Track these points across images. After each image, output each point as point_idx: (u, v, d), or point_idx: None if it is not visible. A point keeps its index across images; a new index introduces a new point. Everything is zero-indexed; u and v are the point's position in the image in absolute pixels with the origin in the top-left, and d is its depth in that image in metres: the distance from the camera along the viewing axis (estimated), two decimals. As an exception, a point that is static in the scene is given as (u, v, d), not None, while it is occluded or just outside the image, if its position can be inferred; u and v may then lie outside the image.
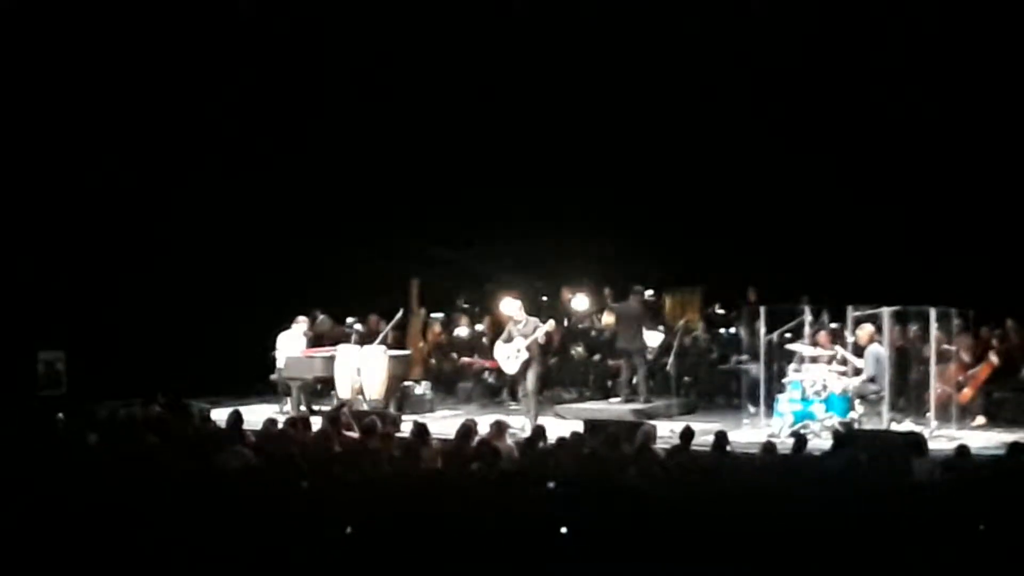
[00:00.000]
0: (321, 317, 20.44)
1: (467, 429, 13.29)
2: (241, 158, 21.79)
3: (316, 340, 19.69)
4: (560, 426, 16.78)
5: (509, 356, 17.84)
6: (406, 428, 16.86)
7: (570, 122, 22.11)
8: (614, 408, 18.94)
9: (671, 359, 19.75)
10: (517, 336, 17.80)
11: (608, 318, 21.05)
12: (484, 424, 13.81)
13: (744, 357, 19.40)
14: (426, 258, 21.27)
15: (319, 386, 19.04)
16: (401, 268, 21.20)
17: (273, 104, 21.92)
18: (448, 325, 22.02)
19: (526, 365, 17.76)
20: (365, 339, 19.28)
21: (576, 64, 21.79)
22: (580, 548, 10.03)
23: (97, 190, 20.93)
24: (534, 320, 17.98)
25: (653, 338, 19.63)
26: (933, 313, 17.19)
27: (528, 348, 17.71)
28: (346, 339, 19.40)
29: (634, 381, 19.26)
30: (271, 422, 14.20)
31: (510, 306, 18.30)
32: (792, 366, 17.35)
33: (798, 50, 20.91)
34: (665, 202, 22.08)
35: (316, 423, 14.94)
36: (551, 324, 18.39)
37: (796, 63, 21.02)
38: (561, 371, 20.99)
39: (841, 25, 20.69)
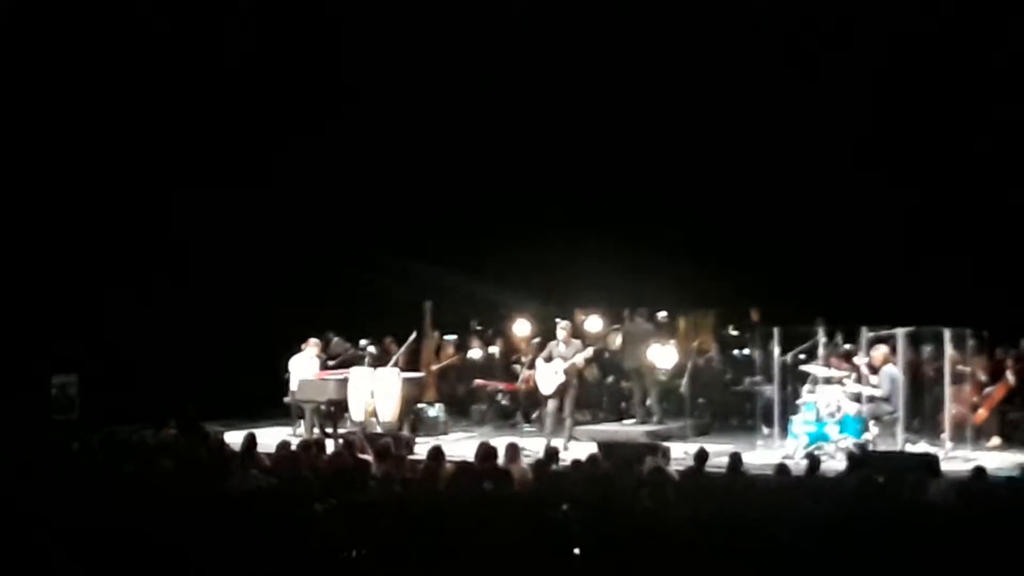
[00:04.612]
0: (335, 340, 20.41)
1: (487, 451, 13.24)
2: (253, 180, 21.81)
3: (329, 363, 19.67)
4: (574, 448, 16.78)
5: (548, 375, 17.93)
6: (420, 450, 16.93)
7: (584, 145, 22.09)
8: (628, 430, 18.90)
9: (685, 380, 19.71)
10: (557, 357, 17.90)
11: (618, 339, 21.04)
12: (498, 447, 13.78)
13: (758, 378, 19.35)
14: (439, 280, 21.27)
15: (332, 409, 19.00)
16: (414, 290, 21.20)
17: (287, 126, 21.94)
18: (461, 347, 22.00)
19: (562, 387, 17.84)
20: (378, 361, 19.26)
21: (589, 90, 21.79)
22: (594, 570, 10.02)
23: (109, 215, 20.98)
24: (577, 343, 18.15)
25: (666, 358, 19.59)
26: (948, 334, 17.15)
27: (566, 371, 17.80)
28: (359, 362, 19.37)
29: (648, 402, 19.23)
30: (284, 445, 14.19)
31: (560, 327, 18.39)
32: (806, 387, 17.30)
33: (804, 70, 20.90)
34: (678, 223, 22.02)
35: (329, 446, 14.94)
36: (591, 351, 18.48)
37: (800, 82, 20.99)
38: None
39: (854, 47, 20.69)
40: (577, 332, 20.17)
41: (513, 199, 22.32)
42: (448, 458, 13.47)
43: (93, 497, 11.25)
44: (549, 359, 18.09)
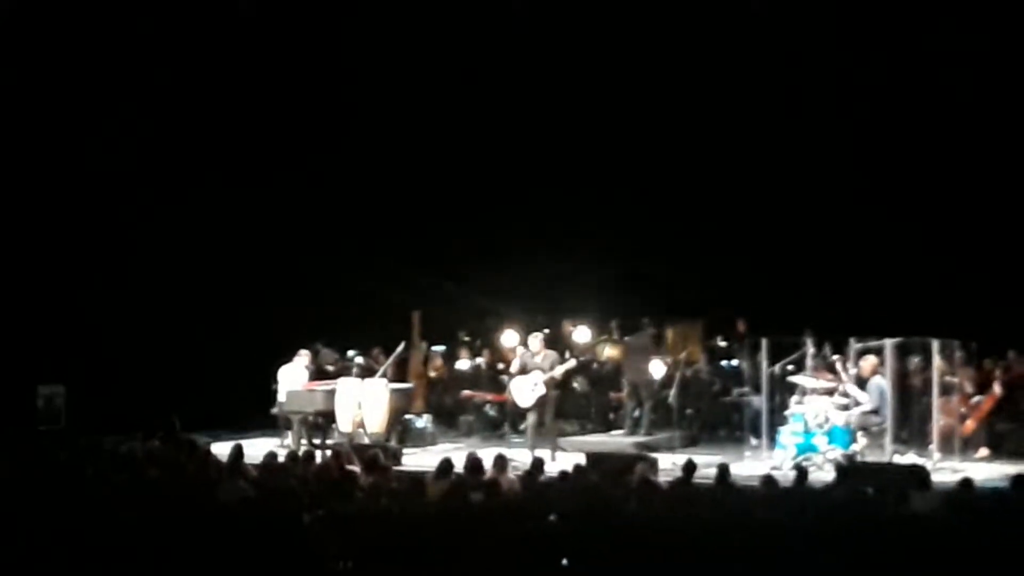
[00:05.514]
0: (323, 350, 20.38)
1: (475, 462, 13.20)
2: (240, 190, 21.77)
3: (317, 373, 19.62)
4: (562, 459, 16.75)
5: (525, 388, 17.84)
6: (407, 461, 16.92)
7: (571, 155, 22.10)
8: (616, 441, 18.85)
9: (673, 392, 19.70)
10: (534, 369, 17.79)
11: (612, 351, 21.00)
12: (485, 458, 13.76)
13: (746, 389, 19.35)
14: (427, 291, 21.24)
15: (319, 420, 18.95)
16: (402, 301, 21.16)
17: (275, 136, 21.91)
18: (449, 358, 21.96)
19: (542, 400, 17.75)
20: (366, 372, 19.23)
21: (575, 101, 21.81)
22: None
23: (96, 225, 20.93)
24: (552, 354, 17.98)
25: (656, 370, 19.58)
26: (936, 345, 17.15)
27: (545, 383, 17.71)
28: (347, 372, 19.34)
29: (636, 414, 19.20)
30: (272, 456, 14.16)
31: (531, 338, 18.28)
32: (794, 398, 17.28)
33: (790, 82, 20.94)
34: (666, 234, 22.04)
35: (317, 457, 14.90)
36: (572, 363, 18.39)
37: (787, 93, 21.02)
38: (563, 404, 20.89)
39: (842, 57, 20.76)
40: (566, 343, 20.18)
41: (501, 209, 22.33)
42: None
43: (80, 508, 11.21)
44: (524, 371, 18.00)
